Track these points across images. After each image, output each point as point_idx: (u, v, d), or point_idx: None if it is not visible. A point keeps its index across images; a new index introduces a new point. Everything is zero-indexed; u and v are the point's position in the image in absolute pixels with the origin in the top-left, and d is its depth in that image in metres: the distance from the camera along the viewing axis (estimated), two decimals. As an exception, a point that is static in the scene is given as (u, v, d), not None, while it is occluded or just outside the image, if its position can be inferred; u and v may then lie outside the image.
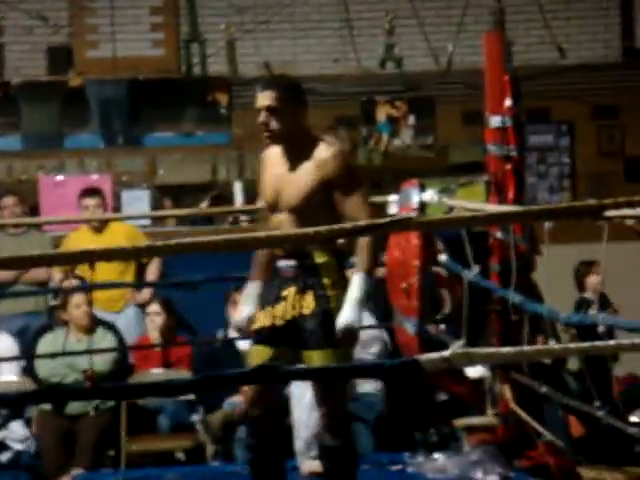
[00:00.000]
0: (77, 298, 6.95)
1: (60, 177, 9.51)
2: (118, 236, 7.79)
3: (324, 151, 4.56)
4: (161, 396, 5.63)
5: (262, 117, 4.63)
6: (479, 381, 5.93)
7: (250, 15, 10.06)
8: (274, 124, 4.59)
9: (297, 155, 4.60)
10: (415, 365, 2.74)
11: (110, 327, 7.20)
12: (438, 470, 5.50)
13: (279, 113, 4.59)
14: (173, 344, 7.26)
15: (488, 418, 5.80)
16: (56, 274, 7.90)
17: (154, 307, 7.31)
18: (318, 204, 4.51)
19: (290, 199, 4.57)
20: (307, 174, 4.55)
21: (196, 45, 9.99)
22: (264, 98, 4.64)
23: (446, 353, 2.77)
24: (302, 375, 3.25)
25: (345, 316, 4.43)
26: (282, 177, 4.63)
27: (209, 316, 7.40)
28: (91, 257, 3.05)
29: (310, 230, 2.67)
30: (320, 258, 4.50)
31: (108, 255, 3.05)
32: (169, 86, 9.90)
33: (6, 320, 7.75)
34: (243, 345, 6.90)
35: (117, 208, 9.16)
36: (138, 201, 9.49)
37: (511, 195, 5.59)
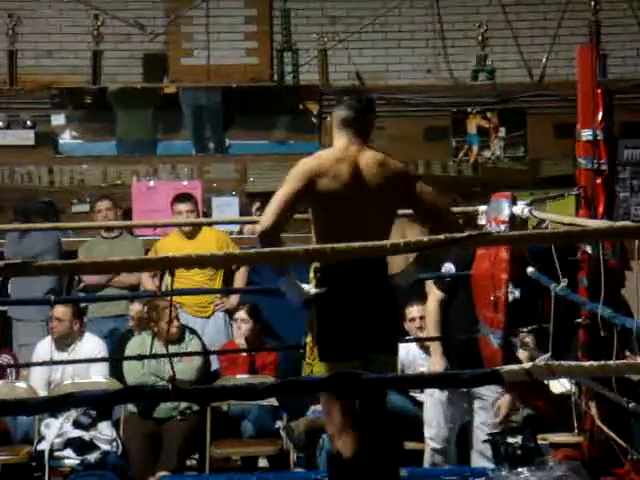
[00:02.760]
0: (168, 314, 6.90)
1: (152, 182, 9.66)
2: (209, 242, 7.85)
3: None
4: (240, 399, 5.68)
5: None
6: (565, 397, 5.87)
7: (343, 25, 10.11)
8: None
9: None
10: (496, 376, 2.73)
11: (195, 334, 7.28)
12: (521, 484, 5.45)
13: None
14: (258, 350, 7.30)
15: (574, 434, 5.73)
16: (146, 279, 8.01)
17: (241, 314, 7.36)
18: None
19: None
20: None
21: (289, 54, 10.06)
22: None
23: (527, 365, 2.76)
24: (385, 383, 3.25)
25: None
26: None
27: (295, 323, 7.43)
28: (183, 263, 3.09)
29: (387, 243, 2.70)
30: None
31: (201, 262, 3.09)
32: (261, 94, 9.99)
33: (97, 322, 7.89)
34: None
35: (207, 214, 9.27)
36: (228, 207, 9.59)
37: (601, 209, 5.52)
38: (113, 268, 3.77)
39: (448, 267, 5.89)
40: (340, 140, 4.55)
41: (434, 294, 6.15)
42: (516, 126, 10.08)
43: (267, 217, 4.39)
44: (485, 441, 6.26)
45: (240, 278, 7.98)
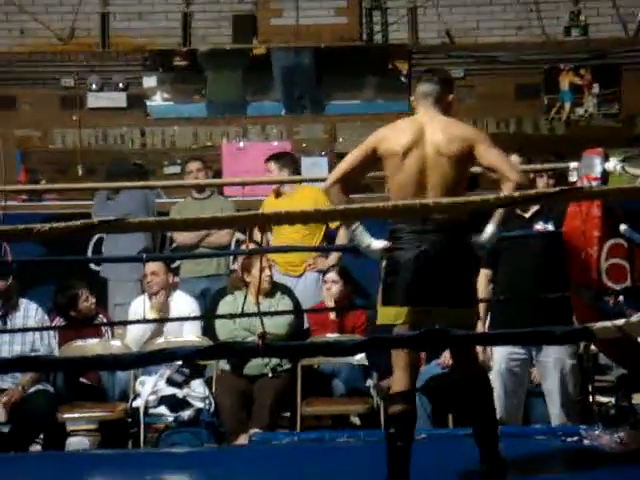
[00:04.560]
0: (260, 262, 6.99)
1: (242, 143, 9.70)
2: (306, 201, 7.75)
3: None
4: (329, 355, 5.70)
5: None
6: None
7: (433, -18, 10.01)
8: None
9: None
10: (587, 332, 2.70)
11: (287, 291, 7.31)
12: (615, 443, 5.40)
13: None
14: (348, 309, 7.29)
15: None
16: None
17: (331, 275, 7.35)
18: None
19: None
20: None
21: (378, 13, 9.99)
22: None
23: (620, 322, 2.72)
24: (472, 339, 3.23)
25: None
26: None
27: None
28: (272, 219, 3.10)
29: (478, 198, 2.68)
30: None
31: (290, 218, 3.10)
32: (350, 54, 9.95)
33: (189, 282, 7.97)
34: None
35: (297, 174, 9.24)
36: (317, 168, 9.59)
37: (698, 165, 5.41)
38: (203, 225, 3.80)
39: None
40: (420, 110, 4.99)
41: (482, 272, 6.10)
42: (610, 82, 9.90)
43: (330, 176, 4.97)
44: (578, 401, 6.22)
45: (342, 236, 7.81)
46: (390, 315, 4.78)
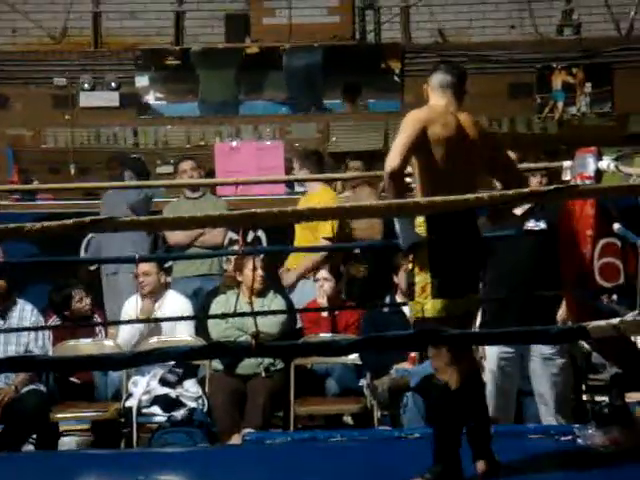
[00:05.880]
0: (252, 262, 6.98)
1: (235, 143, 9.69)
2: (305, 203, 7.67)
3: None
4: (323, 355, 5.70)
5: None
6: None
7: (425, -19, 10.02)
8: None
9: None
10: (582, 331, 2.69)
11: (280, 290, 7.30)
12: (609, 442, 5.40)
13: None
14: (341, 308, 7.29)
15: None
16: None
17: (323, 273, 7.35)
18: None
19: None
20: None
21: (371, 12, 9.99)
22: None
23: (615, 321, 2.72)
24: (469, 339, 3.23)
25: None
26: None
27: (377, 283, 7.42)
28: (264, 219, 3.09)
29: (472, 196, 2.67)
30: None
31: (285, 217, 3.09)
32: (343, 53, 9.95)
33: (181, 282, 7.95)
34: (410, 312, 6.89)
35: (290, 173, 9.23)
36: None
37: (691, 164, 5.42)
38: (196, 224, 3.79)
39: None
40: (441, 100, 4.89)
41: None
42: (603, 81, 9.92)
43: (394, 158, 4.63)
44: (571, 400, 6.23)
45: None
46: (441, 307, 4.68)
